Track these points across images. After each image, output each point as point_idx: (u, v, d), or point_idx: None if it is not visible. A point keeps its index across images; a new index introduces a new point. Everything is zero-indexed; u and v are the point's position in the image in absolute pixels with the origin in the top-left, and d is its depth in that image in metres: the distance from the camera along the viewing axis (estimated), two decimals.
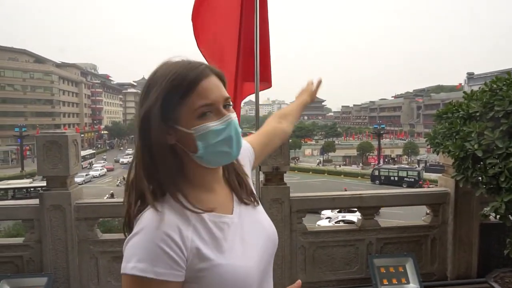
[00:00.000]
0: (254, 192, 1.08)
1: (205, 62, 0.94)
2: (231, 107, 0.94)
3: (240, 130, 0.94)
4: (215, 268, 0.85)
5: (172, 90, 0.84)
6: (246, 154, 1.15)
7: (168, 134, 0.87)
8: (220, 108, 0.88)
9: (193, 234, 0.86)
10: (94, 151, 56.78)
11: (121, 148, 74.55)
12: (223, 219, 0.93)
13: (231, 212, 0.97)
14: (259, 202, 1.08)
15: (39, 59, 70.01)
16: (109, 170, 45.96)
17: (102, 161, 53.01)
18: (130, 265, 0.79)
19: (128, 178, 0.91)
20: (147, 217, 0.84)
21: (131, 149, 65.73)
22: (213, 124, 0.86)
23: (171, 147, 0.88)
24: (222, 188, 1.00)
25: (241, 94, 2.91)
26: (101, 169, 43.54)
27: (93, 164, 46.80)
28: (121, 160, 50.01)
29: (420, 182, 34.42)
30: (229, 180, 1.03)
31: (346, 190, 11.77)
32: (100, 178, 41.43)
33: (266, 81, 3.03)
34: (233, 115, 0.91)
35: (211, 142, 0.87)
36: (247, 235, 0.96)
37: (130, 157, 52.59)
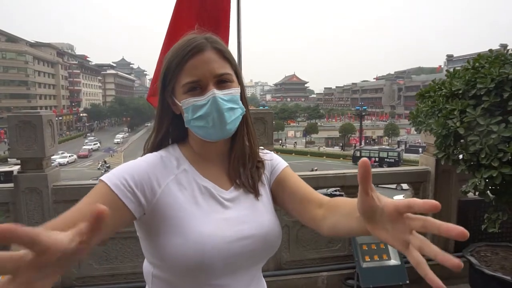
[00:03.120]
0: (257, 188, 0.99)
1: (211, 35, 0.94)
2: (230, 83, 0.92)
3: (225, 107, 0.89)
4: (179, 212, 0.86)
5: (169, 65, 0.91)
6: (268, 167, 1.05)
7: (174, 104, 0.94)
8: (207, 85, 0.89)
9: (172, 182, 0.90)
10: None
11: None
12: (206, 183, 0.94)
13: (227, 190, 0.96)
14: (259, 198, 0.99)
15: (11, 38, 66.84)
16: (82, 156, 43.60)
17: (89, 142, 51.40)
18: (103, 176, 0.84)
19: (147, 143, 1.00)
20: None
21: (123, 133, 64.35)
22: (195, 99, 0.89)
23: (180, 117, 0.95)
24: (223, 165, 0.99)
25: None
26: (69, 156, 40.80)
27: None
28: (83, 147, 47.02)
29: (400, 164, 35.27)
30: (236, 162, 0.99)
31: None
32: (71, 164, 39.62)
33: None
34: (221, 92, 0.89)
35: (192, 115, 0.90)
36: (232, 216, 0.91)
37: (94, 143, 50.33)
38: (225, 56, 0.93)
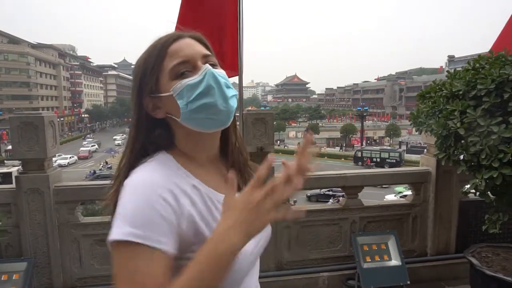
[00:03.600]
0: None
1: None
2: (217, 66, 0.88)
3: (223, 80, 0.84)
4: (205, 227, 0.80)
5: (147, 61, 0.84)
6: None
7: (158, 108, 0.85)
8: (197, 64, 0.83)
9: (189, 202, 0.80)
10: None
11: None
12: (219, 197, 0.86)
13: None
14: None
15: (13, 40, 67.02)
16: (82, 158, 43.17)
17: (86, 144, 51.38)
18: (118, 230, 0.71)
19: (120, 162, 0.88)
20: (137, 176, 0.78)
21: (121, 134, 63.65)
22: (190, 79, 0.82)
23: (163, 122, 0.87)
24: (220, 167, 0.95)
25: None
26: (70, 157, 40.04)
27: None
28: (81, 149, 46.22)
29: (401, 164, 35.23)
30: (233, 163, 0.97)
31: None
32: (73, 165, 39.57)
33: (234, 70, 3.25)
34: (215, 69, 0.84)
35: (190, 97, 0.81)
36: None
37: (92, 145, 49.20)
38: (205, 43, 0.89)
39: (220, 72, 0.85)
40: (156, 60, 0.83)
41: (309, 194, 23.50)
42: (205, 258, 0.68)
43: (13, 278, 2.93)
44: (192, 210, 0.79)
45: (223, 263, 0.68)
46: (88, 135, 64.96)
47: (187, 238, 0.77)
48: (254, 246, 0.89)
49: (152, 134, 0.88)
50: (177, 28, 3.00)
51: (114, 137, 59.38)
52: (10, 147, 31.69)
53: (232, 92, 0.86)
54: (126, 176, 0.81)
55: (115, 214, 0.75)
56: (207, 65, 0.84)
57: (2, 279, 2.92)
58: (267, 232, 0.96)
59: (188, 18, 3.08)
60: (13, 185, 3.15)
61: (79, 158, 42.74)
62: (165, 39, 0.84)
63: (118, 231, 0.71)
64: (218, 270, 0.67)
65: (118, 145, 52.43)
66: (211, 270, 0.67)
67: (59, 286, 3.24)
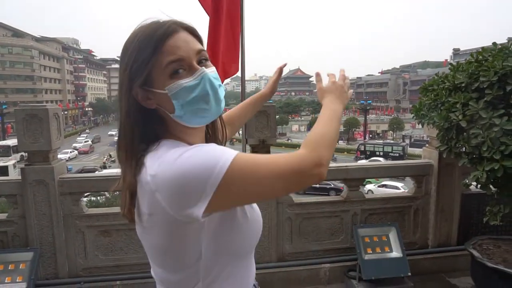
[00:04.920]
0: None
1: (176, 19, 0.88)
2: (208, 61, 0.90)
3: (217, 84, 0.89)
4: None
5: (141, 52, 0.82)
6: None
7: (148, 99, 0.86)
8: (192, 63, 0.85)
9: None
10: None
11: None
12: None
13: None
14: None
15: (17, 33, 67.10)
16: (83, 152, 42.62)
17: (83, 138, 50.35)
18: (214, 171, 0.74)
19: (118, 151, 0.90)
20: (167, 145, 0.85)
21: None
22: (186, 81, 0.84)
23: (154, 111, 0.88)
24: None
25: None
26: (70, 152, 38.90)
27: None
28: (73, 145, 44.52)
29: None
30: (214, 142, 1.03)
31: None
32: (78, 158, 39.43)
33: (235, 64, 3.26)
34: (209, 70, 0.88)
35: (186, 99, 0.84)
36: None
37: (85, 141, 47.31)
38: (196, 34, 0.91)
39: (213, 74, 0.89)
40: (151, 53, 0.82)
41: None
42: (330, 115, 0.98)
43: (20, 267, 2.99)
44: None
45: (339, 116, 1.00)
46: (87, 131, 63.65)
47: None
48: (258, 215, 1.01)
49: (147, 122, 0.88)
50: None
51: (109, 133, 57.31)
52: (2, 143, 31.44)
53: (222, 91, 0.92)
54: (137, 165, 0.84)
55: (180, 188, 0.75)
56: (203, 68, 0.86)
57: (9, 268, 2.98)
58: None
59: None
60: (19, 177, 3.19)
61: (79, 152, 42.25)
62: (161, 32, 0.83)
63: (215, 175, 0.74)
64: (339, 121, 0.99)
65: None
66: (337, 121, 0.98)
67: (65, 275, 3.29)
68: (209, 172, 0.73)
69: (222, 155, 0.76)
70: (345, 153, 42.91)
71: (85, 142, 44.76)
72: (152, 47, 0.82)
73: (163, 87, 0.84)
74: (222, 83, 0.97)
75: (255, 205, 1.01)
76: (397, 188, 20.41)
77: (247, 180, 0.77)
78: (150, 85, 0.85)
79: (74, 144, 45.02)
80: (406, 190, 4.36)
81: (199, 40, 0.91)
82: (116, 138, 0.93)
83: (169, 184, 0.75)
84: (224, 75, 3.11)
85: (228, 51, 3.13)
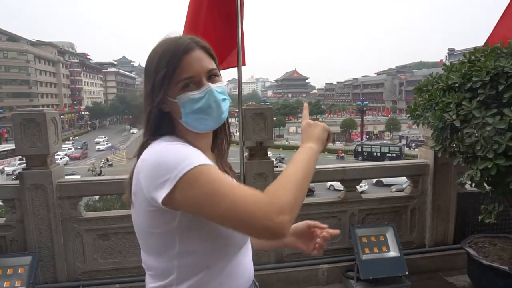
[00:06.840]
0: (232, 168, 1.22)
1: (193, 36, 1.04)
2: (218, 77, 1.04)
3: (220, 98, 1.02)
4: None
5: (162, 67, 0.96)
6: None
7: (164, 103, 1.01)
8: (201, 80, 0.99)
9: None
10: (13, 148, 45.21)
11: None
12: None
13: None
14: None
15: (12, 37, 66.83)
16: (75, 158, 41.10)
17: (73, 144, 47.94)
18: (182, 165, 0.86)
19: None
20: (158, 145, 0.96)
21: (103, 136, 59.04)
22: (193, 93, 0.98)
23: (168, 114, 1.04)
24: (209, 155, 1.10)
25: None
26: (61, 158, 35.95)
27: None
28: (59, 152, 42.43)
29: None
30: (217, 147, 1.16)
31: None
32: (74, 162, 38.73)
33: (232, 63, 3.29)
34: (215, 85, 1.01)
35: (191, 109, 0.99)
36: None
37: (69, 148, 44.75)
38: (210, 53, 1.04)
39: (219, 88, 1.02)
40: (174, 68, 0.96)
41: None
42: (304, 156, 1.01)
43: (19, 271, 2.99)
44: None
45: (315, 158, 1.03)
46: (76, 138, 60.86)
47: None
48: None
49: (162, 120, 1.04)
50: (187, 24, 3.07)
51: (96, 140, 54.42)
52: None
53: (226, 105, 1.05)
54: (142, 148, 0.99)
55: (149, 174, 0.90)
56: (209, 84, 1.00)
57: (8, 272, 2.98)
58: None
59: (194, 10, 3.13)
60: (17, 181, 3.19)
61: (71, 158, 40.75)
62: (183, 48, 0.97)
63: (178, 167, 0.86)
64: (313, 164, 1.01)
65: (99, 150, 47.87)
66: (311, 164, 1.00)
67: (63, 279, 3.29)
68: (176, 164, 0.86)
69: (194, 158, 0.89)
70: (343, 154, 42.96)
71: (68, 149, 42.42)
72: (171, 65, 0.96)
73: (175, 96, 0.99)
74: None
75: None
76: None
77: (205, 189, 0.85)
78: (167, 94, 0.99)
79: (59, 152, 43.71)
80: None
81: (212, 57, 1.04)
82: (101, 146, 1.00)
83: (147, 167, 0.90)
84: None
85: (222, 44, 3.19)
